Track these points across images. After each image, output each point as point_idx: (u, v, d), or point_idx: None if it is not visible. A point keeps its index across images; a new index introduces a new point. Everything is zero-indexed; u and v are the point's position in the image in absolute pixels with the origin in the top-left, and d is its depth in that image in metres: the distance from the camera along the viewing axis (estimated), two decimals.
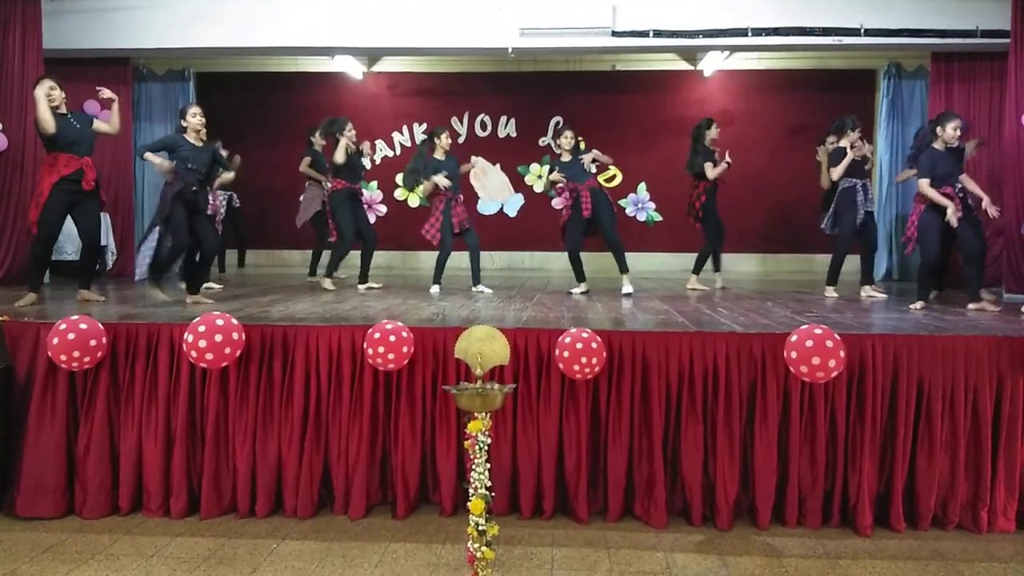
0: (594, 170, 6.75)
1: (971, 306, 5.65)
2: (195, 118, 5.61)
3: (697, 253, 7.64)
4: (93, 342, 4.12)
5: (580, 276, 6.92)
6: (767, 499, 4.15)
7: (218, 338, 3.97)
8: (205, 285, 6.63)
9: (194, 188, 5.56)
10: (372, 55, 9.79)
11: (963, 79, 8.11)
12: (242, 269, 8.98)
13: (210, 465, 4.26)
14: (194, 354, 3.99)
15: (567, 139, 6.77)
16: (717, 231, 7.54)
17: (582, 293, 6.75)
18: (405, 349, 4.07)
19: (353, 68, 9.86)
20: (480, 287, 6.85)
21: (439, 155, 6.93)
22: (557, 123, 10.06)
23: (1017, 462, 4.15)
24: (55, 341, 4.04)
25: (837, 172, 6.62)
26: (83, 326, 4.10)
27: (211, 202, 6.72)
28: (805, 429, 4.16)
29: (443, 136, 6.96)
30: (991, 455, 4.14)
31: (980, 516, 4.14)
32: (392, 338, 4.02)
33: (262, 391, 4.27)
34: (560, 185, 6.81)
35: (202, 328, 3.98)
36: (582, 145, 6.86)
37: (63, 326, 4.08)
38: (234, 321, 4.12)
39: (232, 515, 4.27)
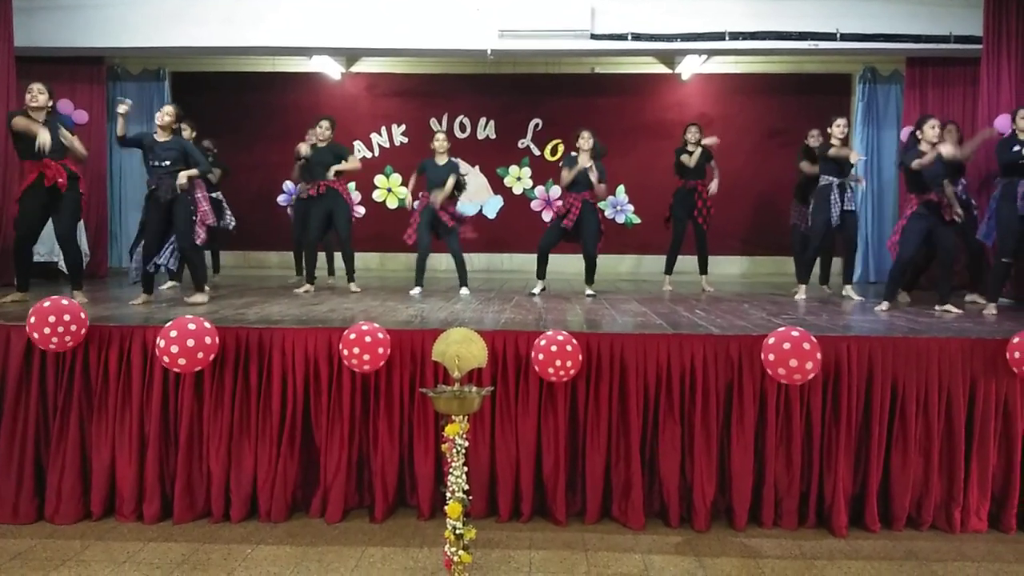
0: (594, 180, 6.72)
1: (938, 308, 5.72)
2: (160, 116, 5.62)
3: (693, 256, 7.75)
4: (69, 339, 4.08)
5: (541, 274, 6.95)
6: (744, 500, 4.17)
7: (190, 343, 3.92)
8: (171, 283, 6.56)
9: (155, 187, 5.51)
10: (350, 55, 9.72)
11: (937, 84, 8.21)
12: (215, 275, 8.79)
13: (184, 469, 4.21)
14: (167, 359, 3.94)
15: (585, 140, 6.70)
16: (696, 235, 7.65)
17: (541, 291, 6.77)
18: (381, 351, 4.04)
19: (331, 68, 9.80)
20: (462, 289, 6.86)
21: (439, 160, 6.90)
22: (536, 125, 10.06)
23: (989, 463, 4.20)
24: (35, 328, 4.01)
25: (806, 165, 6.73)
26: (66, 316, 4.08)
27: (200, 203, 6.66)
28: (781, 431, 4.19)
29: (436, 140, 6.92)
30: (964, 456, 4.20)
31: (953, 516, 4.20)
32: (368, 339, 3.99)
33: (238, 394, 4.23)
34: (554, 199, 6.85)
35: (174, 333, 3.93)
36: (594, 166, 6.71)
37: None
38: (207, 325, 4.07)
39: (206, 520, 4.22)
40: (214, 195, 7.98)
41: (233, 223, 7.71)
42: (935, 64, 8.14)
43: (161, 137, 5.58)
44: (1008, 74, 6.77)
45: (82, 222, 7.98)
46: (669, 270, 7.74)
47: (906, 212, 5.88)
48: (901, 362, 4.19)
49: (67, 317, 4.07)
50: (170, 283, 6.48)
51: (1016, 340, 4.09)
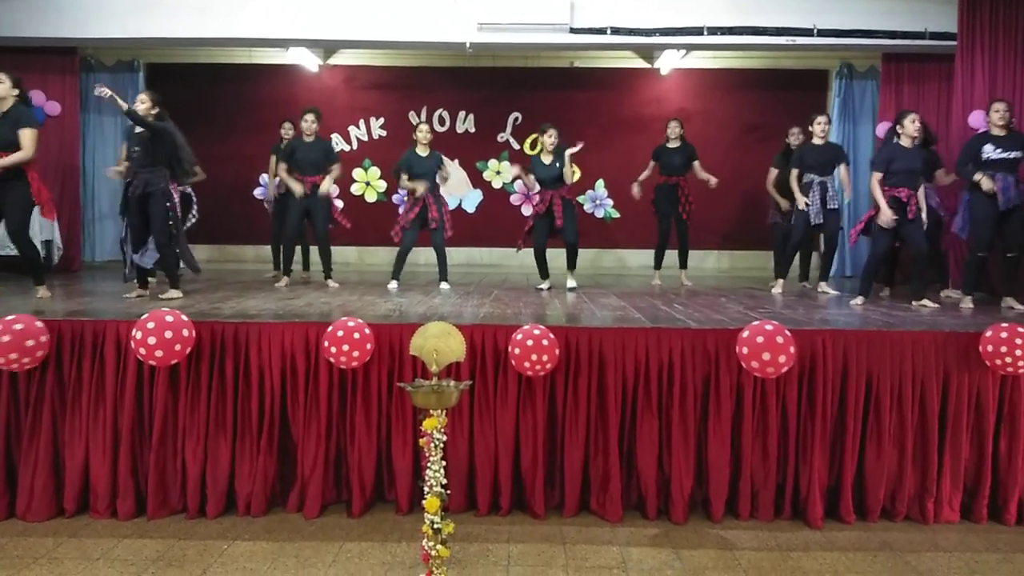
0: (568, 176, 6.72)
1: (914, 303, 5.79)
2: (137, 104, 5.49)
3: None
4: (31, 342, 3.98)
5: (544, 273, 6.96)
6: (720, 492, 4.20)
7: (168, 335, 3.88)
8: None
9: (130, 180, 5.44)
10: (328, 47, 9.65)
11: (913, 80, 8.30)
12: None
13: (158, 465, 4.16)
14: (143, 351, 3.89)
15: (551, 138, 6.70)
16: (678, 230, 7.68)
17: (548, 289, 6.77)
18: (369, 347, 4.05)
19: (308, 60, 9.71)
20: (442, 284, 6.83)
21: (421, 151, 6.86)
22: (516, 119, 10.04)
23: (962, 455, 4.26)
24: None
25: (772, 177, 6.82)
26: (18, 327, 3.95)
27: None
28: (757, 423, 4.22)
29: (420, 131, 6.88)
30: (937, 448, 4.25)
31: (927, 507, 4.25)
32: (356, 335, 4.00)
33: (214, 389, 4.19)
34: (533, 192, 6.84)
35: (151, 325, 3.89)
36: (567, 158, 6.70)
37: None
38: (184, 318, 4.02)
39: (182, 516, 4.18)
40: (183, 189, 7.90)
41: (194, 219, 7.57)
42: (911, 60, 8.22)
43: (138, 128, 5.49)
44: (982, 70, 6.85)
45: (55, 216, 7.90)
46: (658, 265, 7.77)
47: (873, 207, 5.94)
48: (876, 355, 4.24)
49: (29, 343, 3.96)
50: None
51: (989, 333, 4.14)
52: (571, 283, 6.81)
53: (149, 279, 6.34)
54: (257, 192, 8.75)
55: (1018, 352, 4.02)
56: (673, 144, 7.56)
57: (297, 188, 6.75)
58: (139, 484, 4.21)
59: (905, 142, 5.75)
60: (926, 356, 4.25)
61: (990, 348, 4.11)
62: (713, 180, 7.48)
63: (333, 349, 3.99)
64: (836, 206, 6.88)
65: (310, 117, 6.89)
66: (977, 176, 5.70)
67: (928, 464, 4.24)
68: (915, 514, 4.29)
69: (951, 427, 4.25)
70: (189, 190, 7.44)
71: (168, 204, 5.51)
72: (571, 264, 6.92)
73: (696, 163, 7.57)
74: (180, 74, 9.78)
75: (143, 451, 4.22)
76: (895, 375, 4.23)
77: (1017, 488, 4.24)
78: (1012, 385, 4.24)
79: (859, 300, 5.86)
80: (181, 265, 5.80)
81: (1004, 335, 4.08)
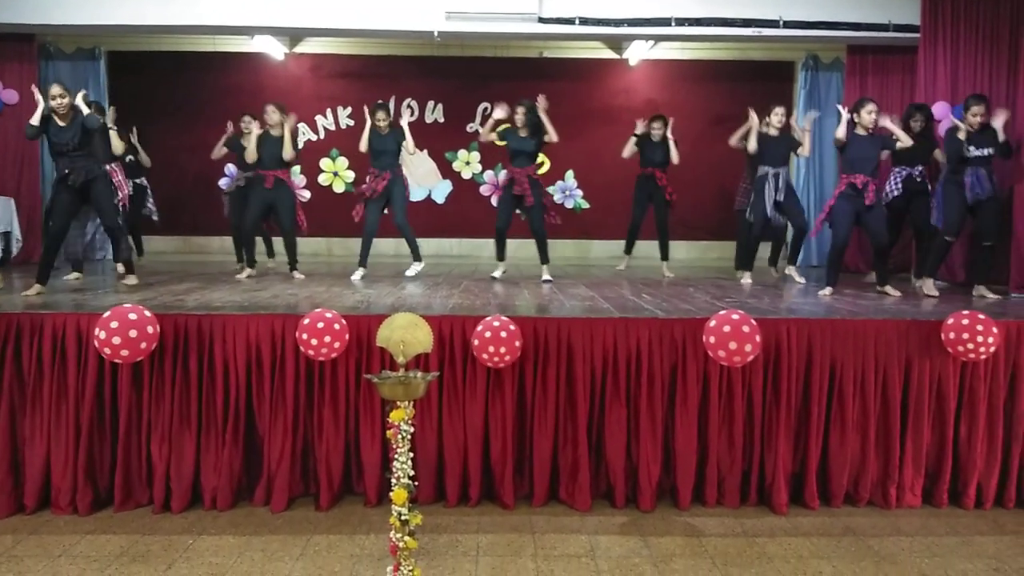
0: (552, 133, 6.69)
1: (877, 288, 5.88)
2: (51, 99, 5.29)
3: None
4: None
5: (501, 256, 6.92)
6: (688, 480, 4.24)
7: (132, 333, 3.82)
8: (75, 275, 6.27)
9: (68, 171, 5.30)
10: (293, 36, 9.51)
11: (877, 72, 8.40)
12: (140, 257, 8.33)
13: (123, 459, 4.10)
14: (108, 351, 3.82)
15: (520, 116, 6.65)
16: (657, 217, 7.75)
17: (503, 273, 6.75)
18: (348, 337, 4.04)
19: (274, 49, 9.58)
20: (415, 265, 6.84)
21: (380, 131, 6.83)
22: (485, 109, 10.00)
23: (923, 441, 4.34)
24: None
25: (751, 145, 6.86)
26: None
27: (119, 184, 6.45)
28: (724, 411, 4.26)
29: (379, 114, 6.82)
30: (899, 434, 4.33)
31: (889, 493, 4.33)
32: (336, 326, 3.98)
33: (178, 382, 4.13)
34: (491, 185, 6.83)
35: (114, 324, 3.81)
36: (544, 118, 6.64)
37: None
38: (147, 313, 3.96)
39: (147, 510, 4.12)
40: (138, 181, 7.78)
41: (155, 214, 7.42)
42: (875, 52, 8.32)
43: (60, 121, 5.31)
44: (944, 62, 6.95)
45: (13, 207, 7.73)
46: (629, 249, 7.79)
47: (835, 192, 6.00)
48: (839, 343, 4.29)
49: None
50: (74, 274, 6.20)
51: (950, 321, 4.22)
52: (546, 276, 6.78)
53: (75, 273, 6.20)
54: (222, 182, 8.62)
55: (979, 339, 4.10)
56: (656, 139, 7.63)
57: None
58: (102, 479, 4.15)
59: (860, 130, 5.83)
60: (888, 344, 4.32)
61: (951, 335, 4.19)
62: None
63: (314, 341, 3.94)
64: (794, 194, 7.01)
65: (271, 108, 6.79)
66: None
67: (890, 450, 4.32)
68: (878, 499, 4.36)
69: (913, 414, 4.33)
70: (144, 182, 7.33)
71: (112, 187, 5.46)
72: (544, 257, 6.88)
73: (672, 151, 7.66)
74: (143, 62, 9.59)
75: (104, 446, 4.15)
76: (858, 363, 4.29)
77: (976, 473, 4.33)
78: (972, 372, 4.32)
79: (827, 291, 5.92)
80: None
81: (965, 322, 4.15)
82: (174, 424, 4.13)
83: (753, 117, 6.91)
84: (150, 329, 3.92)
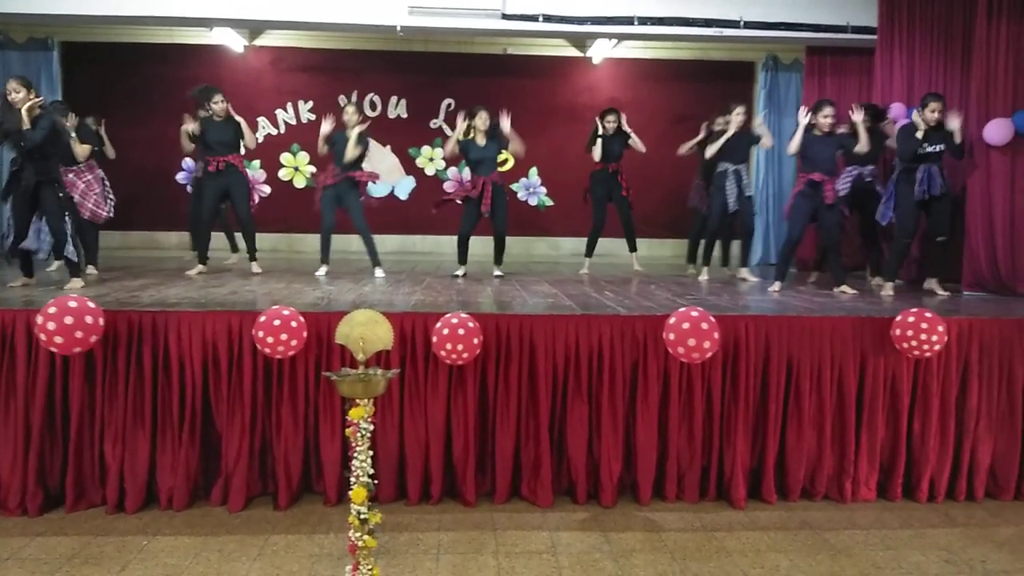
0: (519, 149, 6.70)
1: (835, 289, 5.98)
2: (9, 93, 5.12)
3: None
4: None
5: (463, 260, 6.91)
6: (648, 476, 4.27)
7: (68, 320, 3.72)
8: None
9: (19, 169, 5.17)
10: (253, 28, 9.38)
11: (835, 72, 8.55)
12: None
13: (75, 458, 4.01)
14: (43, 337, 3.74)
15: (482, 120, 6.62)
16: (621, 213, 7.69)
17: (464, 276, 6.75)
18: (305, 334, 3.98)
19: (233, 41, 9.43)
20: (377, 271, 6.75)
21: (349, 133, 6.75)
22: (449, 105, 9.96)
23: (878, 436, 4.42)
24: None
25: (711, 150, 6.92)
26: None
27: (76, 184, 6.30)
28: (684, 408, 4.30)
29: (347, 113, 6.75)
30: (855, 430, 4.40)
31: (844, 487, 4.40)
32: (294, 323, 3.91)
33: (131, 380, 4.04)
34: (465, 180, 6.79)
35: (53, 310, 3.72)
36: (505, 125, 6.66)
37: None
38: (90, 304, 3.86)
39: (100, 510, 4.03)
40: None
41: (111, 201, 7.19)
42: (833, 53, 8.46)
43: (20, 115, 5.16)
44: (900, 64, 7.08)
45: None
46: (590, 253, 7.80)
47: (794, 191, 6.11)
48: (796, 340, 4.36)
49: None
50: (57, 263, 6.08)
51: (899, 319, 4.30)
52: (497, 272, 6.81)
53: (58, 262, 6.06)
54: (180, 176, 8.47)
55: (923, 336, 4.18)
56: (610, 134, 7.56)
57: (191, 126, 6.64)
58: (53, 480, 4.05)
59: (818, 132, 5.94)
60: (844, 341, 4.39)
61: (899, 332, 4.27)
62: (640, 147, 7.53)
63: (270, 339, 3.88)
64: (751, 193, 7.09)
65: (218, 97, 6.65)
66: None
67: (846, 445, 4.39)
68: (833, 493, 4.44)
69: (868, 409, 4.41)
70: (101, 174, 7.13)
71: (61, 194, 5.34)
72: (498, 259, 6.92)
73: (630, 140, 7.56)
74: (98, 53, 9.39)
75: (55, 445, 4.05)
76: (814, 359, 4.36)
77: (929, 467, 4.43)
78: (925, 368, 4.41)
79: (776, 286, 6.03)
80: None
81: (911, 320, 4.24)
82: (128, 423, 4.04)
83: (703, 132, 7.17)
84: (88, 319, 3.80)
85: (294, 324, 3.93)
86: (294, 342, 3.93)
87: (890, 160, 6.67)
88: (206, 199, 6.77)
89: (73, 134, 6.37)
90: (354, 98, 9.71)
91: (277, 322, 3.89)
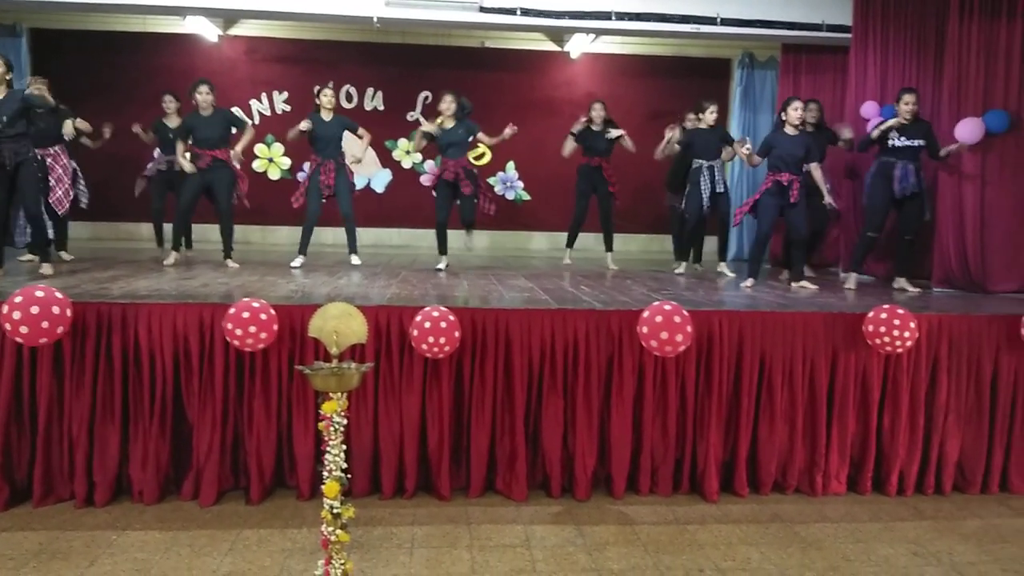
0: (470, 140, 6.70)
1: (793, 284, 6.04)
2: None
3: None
4: None
5: (443, 249, 6.87)
6: (622, 469, 4.29)
7: (34, 310, 3.66)
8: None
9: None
10: (228, 17, 9.26)
11: (810, 71, 8.60)
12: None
13: (43, 452, 3.94)
14: (8, 327, 3.68)
15: (446, 103, 6.56)
16: (602, 208, 7.69)
17: (446, 267, 6.73)
18: (276, 328, 3.93)
19: (207, 30, 9.31)
20: (352, 257, 6.68)
21: (324, 115, 6.67)
22: (426, 98, 9.91)
23: (848, 430, 4.48)
24: None
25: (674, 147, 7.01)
26: None
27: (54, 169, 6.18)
28: (658, 402, 4.32)
29: (323, 95, 6.66)
30: (826, 424, 4.46)
31: (815, 480, 4.45)
32: (263, 316, 3.87)
33: (100, 373, 3.98)
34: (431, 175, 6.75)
35: (19, 299, 3.66)
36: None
37: None
38: (58, 295, 3.80)
39: (69, 505, 3.98)
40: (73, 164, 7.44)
41: (85, 200, 7.05)
42: (808, 51, 8.52)
43: None
44: (874, 62, 7.15)
45: None
46: (571, 244, 7.81)
47: (760, 188, 6.15)
48: (769, 335, 4.39)
49: None
50: (30, 256, 5.98)
51: (871, 315, 4.35)
52: (468, 238, 6.89)
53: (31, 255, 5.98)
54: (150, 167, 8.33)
55: (895, 332, 4.24)
56: (597, 127, 7.54)
57: (187, 167, 6.41)
58: (20, 473, 3.98)
59: (788, 129, 5.97)
60: (816, 336, 4.44)
61: (871, 328, 4.32)
62: (629, 143, 7.52)
63: (239, 331, 3.84)
64: (724, 189, 7.16)
65: (204, 89, 6.44)
66: (875, 133, 5.96)
67: (817, 439, 4.44)
68: (804, 487, 4.49)
69: (838, 404, 4.46)
70: (73, 164, 7.00)
71: (40, 174, 5.21)
72: (468, 231, 6.92)
73: (621, 140, 7.52)
74: (68, 41, 9.22)
75: (22, 439, 3.99)
76: (787, 354, 4.40)
77: (898, 461, 4.49)
78: (895, 364, 4.47)
79: (748, 282, 6.07)
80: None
81: (884, 316, 4.29)
82: (97, 416, 3.99)
83: (668, 133, 7.37)
84: (55, 310, 3.74)
85: (263, 317, 3.88)
86: (264, 335, 3.88)
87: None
88: (185, 192, 6.59)
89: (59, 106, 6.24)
90: (331, 85, 9.60)
91: (246, 314, 3.85)
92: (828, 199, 6.18)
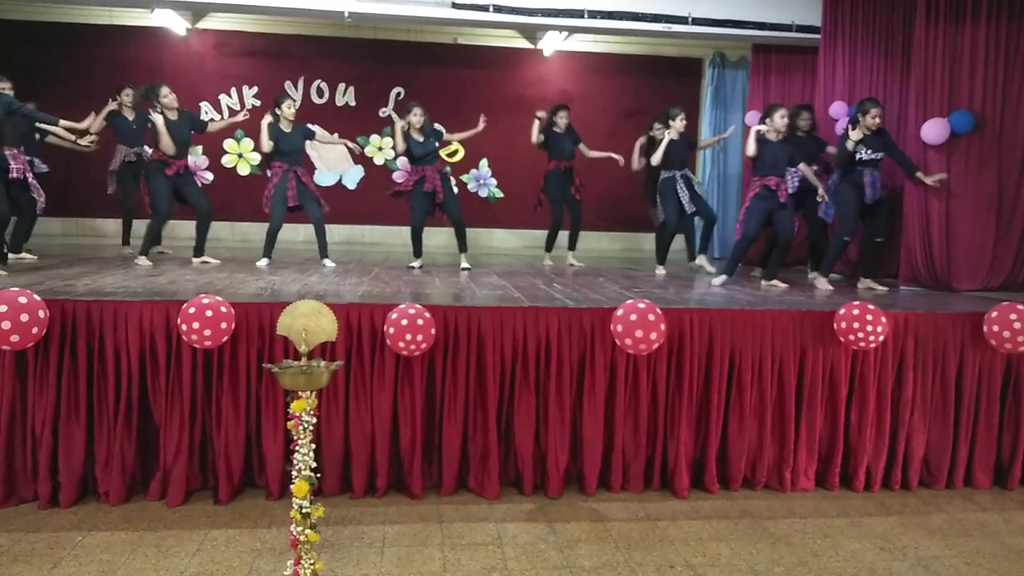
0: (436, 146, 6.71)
1: (763, 283, 6.11)
2: None
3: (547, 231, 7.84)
4: None
5: (418, 252, 6.87)
6: (594, 467, 4.30)
7: (24, 317, 3.59)
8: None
9: None
10: (197, 10, 9.13)
11: (780, 71, 8.69)
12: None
13: (5, 453, 3.87)
14: None
15: (416, 116, 6.55)
16: (572, 212, 7.71)
17: (420, 268, 6.70)
18: (224, 325, 3.84)
19: (175, 23, 9.16)
20: (325, 261, 6.63)
21: (284, 126, 6.58)
22: (398, 94, 9.85)
23: (816, 426, 4.53)
24: None
25: (656, 158, 7.01)
26: None
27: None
28: (629, 399, 4.34)
29: (285, 106, 6.59)
30: (794, 420, 4.50)
31: (784, 476, 4.50)
32: (209, 313, 3.78)
33: (64, 372, 3.90)
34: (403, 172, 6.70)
35: (4, 308, 3.57)
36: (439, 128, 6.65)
37: None
38: (37, 298, 3.72)
39: (32, 506, 3.90)
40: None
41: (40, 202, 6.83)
42: (778, 51, 8.60)
43: None
44: (842, 63, 7.24)
45: None
46: (549, 248, 7.81)
47: (749, 194, 6.20)
48: (739, 333, 4.43)
49: None
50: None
51: (843, 311, 4.40)
52: (464, 264, 6.77)
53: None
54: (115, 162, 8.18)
55: (868, 328, 4.29)
56: (559, 130, 7.58)
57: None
58: None
59: (772, 136, 6.03)
60: (784, 333, 4.48)
61: (843, 325, 4.37)
62: (617, 156, 7.62)
63: (184, 327, 3.79)
64: (700, 192, 7.26)
65: (166, 89, 6.31)
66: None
67: (786, 436, 4.49)
68: (773, 483, 4.53)
69: (807, 400, 4.51)
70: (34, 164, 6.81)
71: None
72: (462, 246, 6.87)
73: (581, 145, 7.65)
74: (31, 33, 9.02)
75: None
76: (756, 351, 4.44)
77: (866, 457, 4.55)
78: (862, 360, 4.53)
79: (721, 279, 6.13)
80: None
81: (856, 312, 4.34)
82: (62, 416, 3.91)
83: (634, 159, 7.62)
84: (41, 314, 3.70)
85: (209, 314, 3.80)
86: (208, 332, 3.79)
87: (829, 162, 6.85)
88: (165, 199, 6.37)
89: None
90: (301, 85, 9.52)
91: (192, 310, 3.80)
92: (821, 192, 6.19)
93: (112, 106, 6.99)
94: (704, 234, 7.54)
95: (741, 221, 6.23)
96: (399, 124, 6.60)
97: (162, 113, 6.29)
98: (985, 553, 3.79)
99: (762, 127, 6.08)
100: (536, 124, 7.54)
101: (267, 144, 6.50)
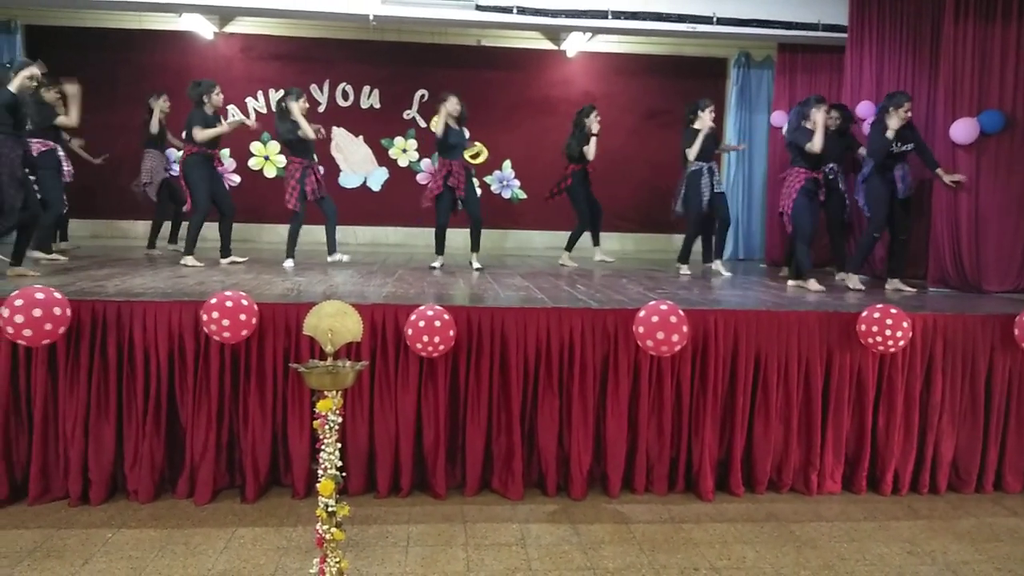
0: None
1: (790, 283, 6.06)
2: None
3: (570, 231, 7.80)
4: None
5: (441, 250, 6.94)
6: (617, 468, 4.29)
7: (37, 312, 3.65)
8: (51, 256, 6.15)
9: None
10: (224, 15, 9.24)
11: (806, 70, 8.62)
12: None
13: (39, 450, 3.93)
14: (10, 330, 3.65)
15: (453, 103, 6.68)
16: (591, 211, 7.71)
17: (441, 267, 6.74)
18: (243, 318, 3.89)
19: (203, 27, 9.28)
20: (337, 255, 6.72)
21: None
22: (422, 96, 9.90)
23: (843, 429, 4.49)
24: None
25: (692, 152, 6.94)
26: None
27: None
28: (653, 401, 4.32)
29: (302, 101, 6.68)
30: (821, 423, 4.46)
31: (811, 479, 4.46)
32: (229, 304, 3.85)
33: (95, 371, 3.97)
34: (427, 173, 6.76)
35: (19, 302, 3.65)
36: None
37: None
38: (56, 295, 3.79)
39: (64, 503, 3.96)
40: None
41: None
42: (804, 51, 8.53)
43: None
44: (869, 62, 7.17)
45: None
46: (571, 247, 7.81)
47: (795, 187, 6.00)
48: (764, 334, 4.40)
49: None
50: None
51: (864, 314, 4.36)
52: (476, 264, 6.82)
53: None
54: (173, 169, 8.25)
55: (887, 332, 4.24)
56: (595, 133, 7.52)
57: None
58: (17, 471, 3.97)
59: (809, 125, 5.97)
60: (811, 335, 4.44)
61: (864, 328, 4.33)
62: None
63: (204, 317, 3.86)
64: (721, 189, 7.21)
65: (218, 89, 6.67)
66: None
67: (812, 438, 4.45)
68: (800, 486, 4.49)
69: (833, 402, 4.47)
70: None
71: (9, 169, 5.16)
72: (475, 245, 6.93)
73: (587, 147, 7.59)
74: (63, 38, 9.18)
75: (19, 436, 3.98)
76: (782, 353, 4.41)
77: (893, 460, 4.50)
78: (890, 363, 4.48)
79: (813, 283, 5.94)
80: None
81: (877, 315, 4.30)
82: (92, 414, 3.98)
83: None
84: (57, 311, 3.74)
85: (230, 304, 3.87)
86: (226, 322, 3.85)
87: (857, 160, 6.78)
88: (204, 192, 6.53)
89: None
90: (326, 88, 9.59)
91: (214, 300, 3.86)
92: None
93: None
94: (719, 237, 7.47)
95: (789, 215, 6.10)
96: (444, 107, 6.70)
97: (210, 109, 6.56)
98: (1016, 559, 3.73)
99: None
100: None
101: (311, 131, 6.67)
